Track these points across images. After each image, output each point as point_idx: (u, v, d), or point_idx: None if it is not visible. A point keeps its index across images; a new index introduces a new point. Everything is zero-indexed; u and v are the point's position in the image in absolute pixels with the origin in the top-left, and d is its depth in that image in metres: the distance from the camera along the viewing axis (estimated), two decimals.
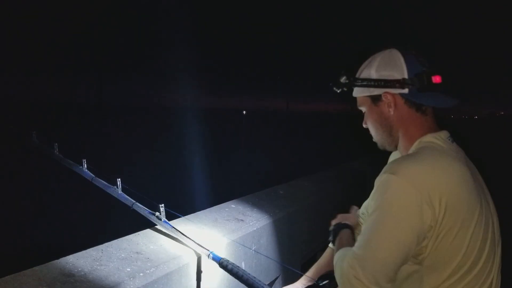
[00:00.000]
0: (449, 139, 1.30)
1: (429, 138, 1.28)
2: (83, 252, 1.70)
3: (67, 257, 1.63)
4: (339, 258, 1.19)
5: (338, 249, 1.33)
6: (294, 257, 2.81)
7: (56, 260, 1.59)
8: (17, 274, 1.46)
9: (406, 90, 1.28)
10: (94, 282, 1.50)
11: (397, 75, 1.29)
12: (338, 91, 1.41)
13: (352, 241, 1.41)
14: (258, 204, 2.74)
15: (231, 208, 2.56)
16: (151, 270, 1.67)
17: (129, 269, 1.62)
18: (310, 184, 3.55)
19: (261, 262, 2.35)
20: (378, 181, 1.19)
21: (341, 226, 1.53)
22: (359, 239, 1.16)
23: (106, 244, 1.80)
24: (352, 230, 1.54)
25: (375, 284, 1.06)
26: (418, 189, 1.11)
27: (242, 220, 2.38)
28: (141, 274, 1.62)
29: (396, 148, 1.40)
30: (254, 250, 2.29)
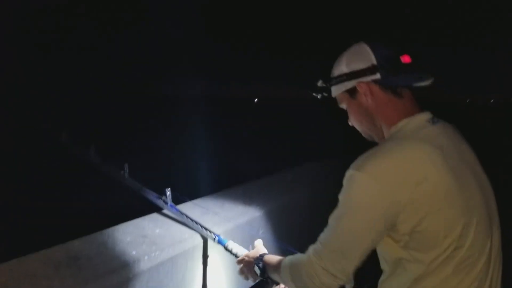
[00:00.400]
0: (429, 121, 1.28)
1: (403, 123, 1.27)
2: (90, 236, 1.71)
3: (74, 241, 1.65)
4: (289, 263, 1.31)
5: (277, 266, 1.41)
6: (302, 242, 2.80)
7: (62, 244, 1.61)
8: (23, 257, 1.48)
9: (378, 76, 1.29)
10: (99, 265, 1.51)
11: (366, 64, 1.30)
12: (318, 97, 1.46)
13: (279, 257, 1.46)
14: (266, 189, 2.74)
15: (239, 193, 2.56)
16: (156, 253, 1.67)
17: (134, 253, 1.63)
18: (320, 169, 3.53)
19: (267, 246, 2.34)
20: (344, 177, 1.20)
21: (259, 259, 1.54)
22: (321, 235, 1.21)
23: (113, 228, 1.81)
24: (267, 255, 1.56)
25: (342, 273, 1.13)
26: (381, 183, 1.11)
27: (249, 204, 2.37)
28: (146, 257, 1.63)
29: (384, 138, 1.37)
30: (261, 234, 2.28)
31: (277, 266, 1.41)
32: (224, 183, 2.61)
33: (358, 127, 1.42)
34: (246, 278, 1.61)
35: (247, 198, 2.46)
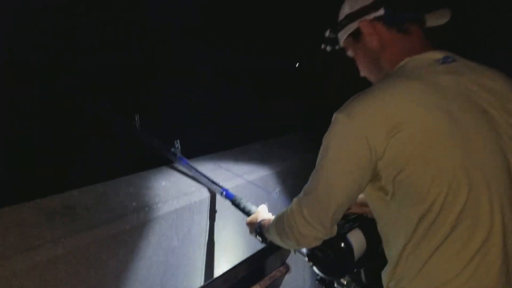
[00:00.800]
0: (438, 60, 1.10)
1: (404, 61, 1.13)
2: (91, 186, 1.64)
3: (72, 191, 1.58)
4: (275, 217, 1.27)
5: (268, 224, 1.35)
6: None
7: (59, 194, 1.54)
8: (17, 205, 1.42)
9: (381, 12, 1.16)
10: (95, 215, 1.43)
11: (369, 0, 1.17)
12: (328, 49, 1.35)
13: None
14: (287, 146, 2.59)
15: (255, 149, 2.42)
16: (158, 205, 1.58)
17: (134, 204, 1.54)
18: None
19: (285, 206, 2.22)
20: None
21: (258, 225, 1.47)
22: (305, 185, 1.13)
23: (117, 179, 1.73)
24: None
25: (319, 224, 1.06)
26: (356, 125, 1.00)
27: (266, 160, 2.24)
28: (147, 208, 1.54)
29: None
30: (277, 194, 2.15)
31: (267, 225, 1.35)
32: (238, 140, 2.48)
33: (367, 74, 1.28)
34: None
35: (263, 155, 2.33)
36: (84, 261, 1.31)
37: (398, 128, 0.96)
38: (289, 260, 2.33)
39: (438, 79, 1.06)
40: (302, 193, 1.12)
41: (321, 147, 1.07)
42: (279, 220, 1.22)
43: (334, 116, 1.05)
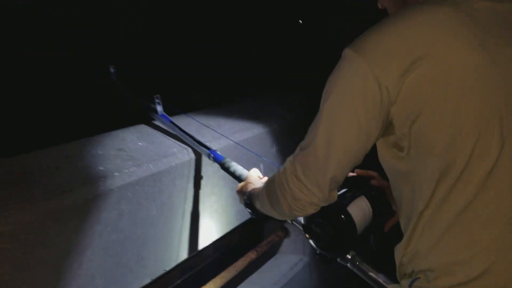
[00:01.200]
0: None
1: None
2: (49, 148, 1.40)
3: (29, 154, 1.34)
4: (267, 181, 1.06)
5: (259, 191, 1.12)
6: None
7: (12, 157, 1.31)
8: None
9: None
10: (50, 182, 1.19)
11: None
12: None
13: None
14: (285, 101, 2.33)
15: (248, 104, 2.17)
16: (131, 169, 1.34)
17: (101, 168, 1.31)
18: None
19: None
20: None
21: (248, 196, 1.22)
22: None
23: (83, 140, 1.49)
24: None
25: (315, 185, 0.88)
26: (366, 59, 0.80)
27: (259, 117, 1.99)
28: (116, 173, 1.30)
29: None
30: (274, 153, 1.92)
31: (259, 192, 1.11)
32: (227, 96, 2.22)
33: (387, 6, 1.03)
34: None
35: (256, 112, 2.07)
36: (39, 237, 1.09)
37: (418, 63, 0.77)
38: (287, 224, 2.15)
39: (472, 5, 0.83)
40: (297, 148, 0.93)
41: (324, 90, 0.88)
42: (270, 183, 1.01)
43: (343, 51, 0.85)
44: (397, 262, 0.97)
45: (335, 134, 0.85)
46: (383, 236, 1.27)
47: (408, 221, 0.91)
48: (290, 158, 0.94)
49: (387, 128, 0.86)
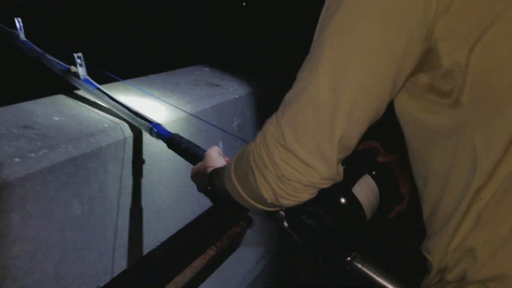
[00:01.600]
0: None
1: None
2: None
3: None
4: (236, 158, 0.70)
5: (224, 172, 0.76)
6: None
7: None
8: None
9: None
10: None
11: None
12: None
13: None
14: (246, 70, 1.98)
15: (204, 71, 1.80)
16: (40, 153, 0.95)
17: None
18: None
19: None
20: None
21: (209, 179, 0.88)
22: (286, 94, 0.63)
23: None
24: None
25: (316, 154, 0.57)
26: None
27: (218, 85, 1.63)
28: (17, 159, 0.91)
29: None
30: (236, 127, 1.57)
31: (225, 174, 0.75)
32: (174, 62, 1.91)
33: None
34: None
35: (216, 78, 1.71)
36: None
37: None
38: (251, 212, 1.84)
39: None
40: (280, 107, 0.62)
41: (321, 14, 0.59)
42: (241, 159, 0.68)
43: None
44: (433, 266, 0.66)
45: (347, 68, 0.55)
46: (387, 224, 0.99)
47: (444, 205, 0.62)
48: (271, 119, 0.62)
49: (424, 59, 0.56)
